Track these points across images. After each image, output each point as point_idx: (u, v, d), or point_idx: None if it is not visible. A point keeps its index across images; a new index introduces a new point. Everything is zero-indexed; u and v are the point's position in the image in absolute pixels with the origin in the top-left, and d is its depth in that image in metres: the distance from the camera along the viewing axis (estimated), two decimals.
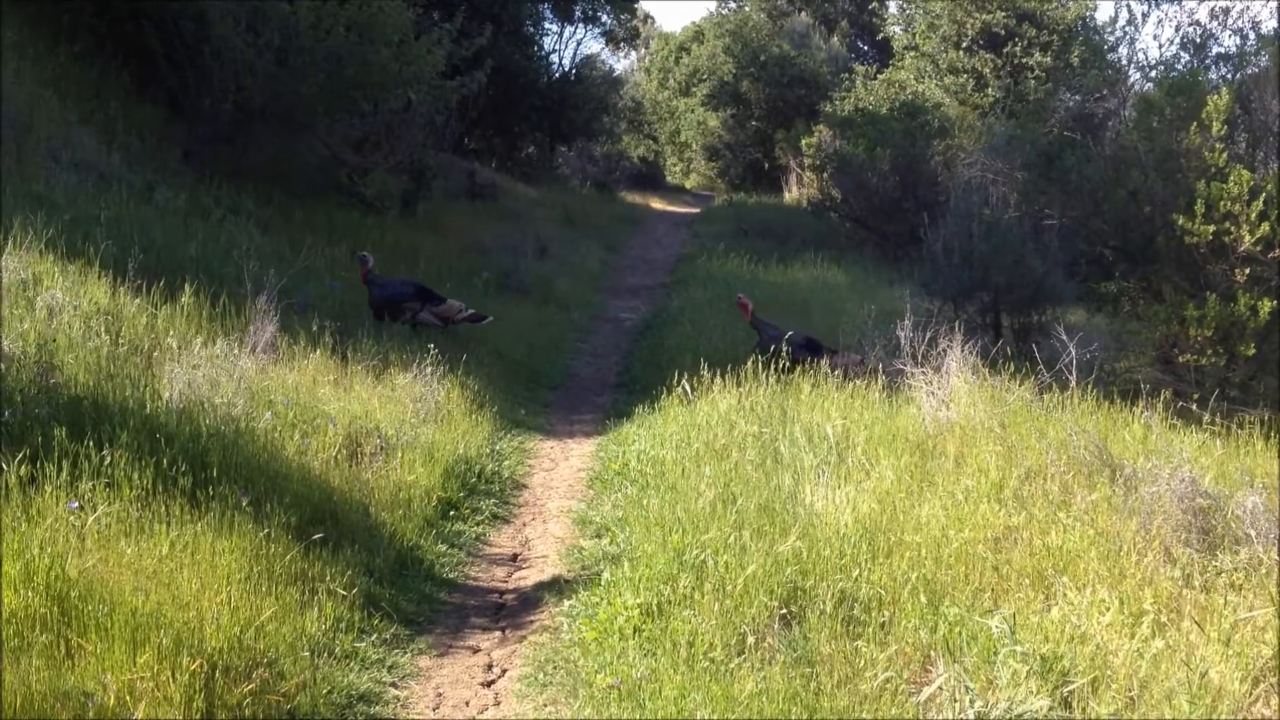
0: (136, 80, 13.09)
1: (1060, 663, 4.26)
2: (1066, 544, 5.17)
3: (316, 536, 5.08)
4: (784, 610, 4.70)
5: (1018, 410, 7.24)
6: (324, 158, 14.04)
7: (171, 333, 7.13)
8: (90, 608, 3.83)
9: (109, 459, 4.81)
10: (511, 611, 5.53)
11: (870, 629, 4.58)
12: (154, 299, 7.58)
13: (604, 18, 26.50)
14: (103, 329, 6.76)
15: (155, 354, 6.85)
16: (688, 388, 8.01)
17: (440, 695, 4.59)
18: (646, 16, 33.46)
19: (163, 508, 4.70)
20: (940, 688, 4.10)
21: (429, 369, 8.14)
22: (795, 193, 26.70)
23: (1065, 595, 4.79)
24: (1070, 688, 4.13)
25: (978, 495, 5.81)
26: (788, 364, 8.12)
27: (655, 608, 4.82)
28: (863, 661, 4.35)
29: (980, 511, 5.58)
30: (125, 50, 12.89)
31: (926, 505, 5.74)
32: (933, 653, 4.47)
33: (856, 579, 4.93)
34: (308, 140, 13.57)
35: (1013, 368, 7.96)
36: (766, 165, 30.26)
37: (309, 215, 12.80)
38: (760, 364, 7.77)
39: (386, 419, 7.24)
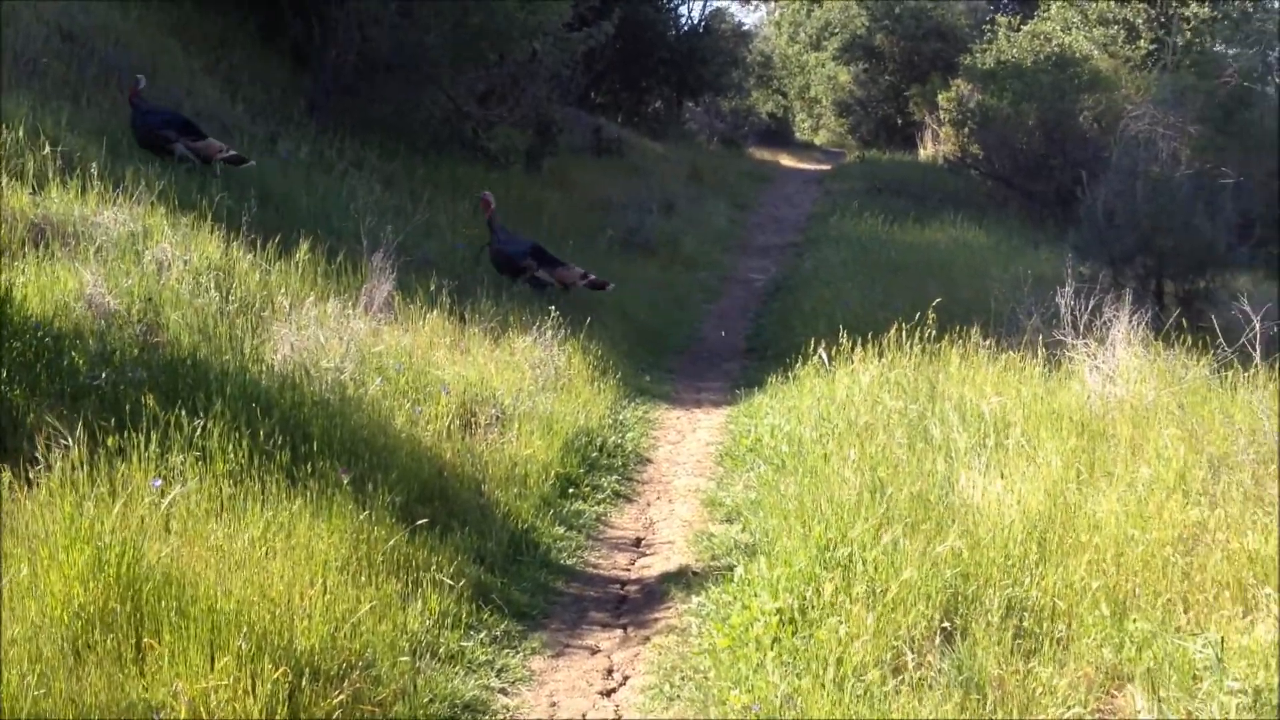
0: (262, 31, 12.93)
1: (1275, 695, 3.61)
2: (1267, 547, 4.46)
3: (422, 521, 4.62)
4: (944, 622, 4.09)
5: (1195, 388, 6.45)
6: (448, 111, 13.75)
7: (284, 290, 6.81)
8: (166, 603, 3.39)
9: (202, 428, 4.42)
10: (634, 606, 5.01)
11: (1045, 646, 3.97)
12: (268, 255, 7.26)
13: None
14: (213, 285, 6.46)
15: (266, 313, 6.51)
16: (825, 356, 7.38)
17: (554, 704, 4.10)
18: None
19: (257, 485, 4.27)
20: None
21: (549, 332, 7.68)
22: (930, 149, 25.68)
23: (1269, 609, 4.10)
24: None
25: (1161, 487, 5.09)
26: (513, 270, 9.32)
27: (797, 613, 4.21)
28: (1039, 687, 3.74)
29: (1166, 507, 4.87)
30: (250, 0, 12.73)
31: (1103, 498, 5.05)
32: (1120, 678, 3.84)
33: (1027, 586, 4.30)
34: (432, 93, 13.30)
35: (1188, 340, 7.14)
36: (900, 121, 29.22)
37: (432, 170, 12.51)
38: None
39: (504, 386, 6.78)
